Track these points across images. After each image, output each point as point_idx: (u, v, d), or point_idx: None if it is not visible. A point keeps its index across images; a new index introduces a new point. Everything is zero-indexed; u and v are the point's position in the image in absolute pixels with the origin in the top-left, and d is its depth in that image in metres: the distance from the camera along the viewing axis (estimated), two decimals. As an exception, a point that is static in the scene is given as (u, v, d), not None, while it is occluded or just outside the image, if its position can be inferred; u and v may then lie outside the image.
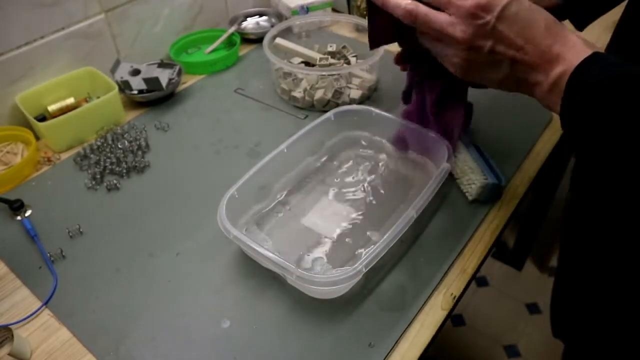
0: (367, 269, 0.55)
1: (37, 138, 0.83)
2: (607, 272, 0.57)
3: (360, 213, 0.69)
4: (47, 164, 0.81)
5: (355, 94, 0.88)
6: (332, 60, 0.94)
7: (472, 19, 0.45)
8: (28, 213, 0.72)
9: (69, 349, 0.56)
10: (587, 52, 0.42)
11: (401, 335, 0.56)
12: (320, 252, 0.64)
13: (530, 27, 0.44)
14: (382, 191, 0.72)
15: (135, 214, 0.72)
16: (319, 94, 0.87)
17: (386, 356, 0.54)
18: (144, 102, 0.92)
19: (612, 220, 0.56)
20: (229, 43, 1.06)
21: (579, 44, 0.43)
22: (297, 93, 0.89)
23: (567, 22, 0.55)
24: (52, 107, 0.84)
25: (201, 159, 0.81)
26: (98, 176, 0.77)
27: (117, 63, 0.91)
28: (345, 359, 0.54)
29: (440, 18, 0.47)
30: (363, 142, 0.79)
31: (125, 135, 0.84)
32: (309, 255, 0.63)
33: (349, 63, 0.95)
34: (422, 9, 0.48)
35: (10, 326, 0.57)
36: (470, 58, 0.47)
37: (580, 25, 0.60)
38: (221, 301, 0.60)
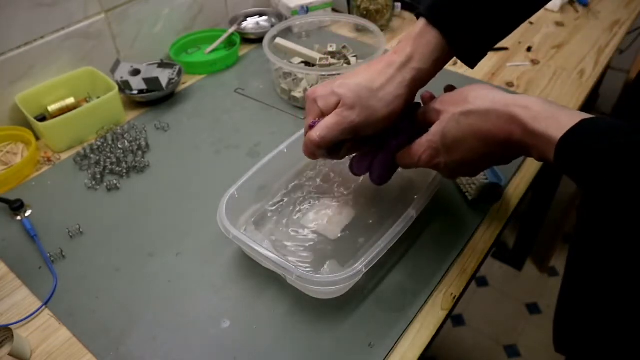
0: (367, 269, 0.55)
1: (37, 138, 0.83)
2: (619, 292, 0.57)
3: (360, 213, 0.69)
4: (47, 164, 0.81)
5: (355, 94, 0.88)
6: (332, 60, 0.94)
7: (433, 167, 0.56)
8: (28, 213, 0.72)
9: (69, 349, 0.57)
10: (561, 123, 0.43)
11: (401, 335, 0.56)
12: (321, 252, 0.64)
13: (483, 135, 0.49)
14: (382, 191, 0.72)
15: (135, 214, 0.72)
16: (319, 94, 0.87)
17: (386, 356, 0.54)
18: (144, 102, 0.92)
19: (625, 242, 0.55)
20: (229, 43, 1.06)
21: (554, 115, 0.44)
22: (297, 93, 0.89)
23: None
24: (52, 107, 0.84)
25: (201, 159, 0.81)
26: (98, 176, 0.77)
27: (117, 63, 0.91)
28: (345, 359, 0.54)
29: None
30: (363, 142, 0.79)
31: (125, 135, 0.84)
32: (308, 255, 0.63)
33: (349, 63, 0.95)
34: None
35: (10, 326, 0.57)
36: (448, 170, 0.55)
37: (471, 65, 0.58)
38: (221, 301, 0.60)
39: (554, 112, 0.44)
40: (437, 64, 0.56)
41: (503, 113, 0.47)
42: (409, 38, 0.56)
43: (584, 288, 0.63)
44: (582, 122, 0.41)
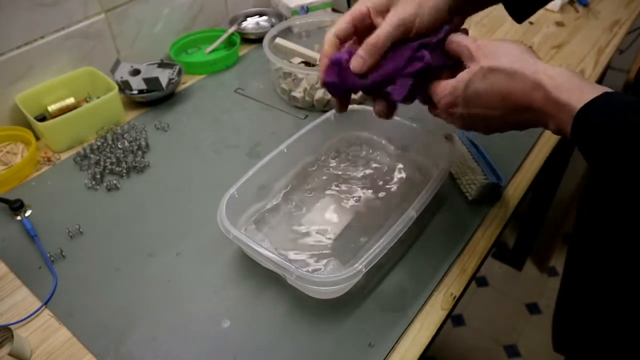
0: (367, 269, 0.55)
1: (37, 138, 0.83)
2: (617, 291, 0.57)
3: (360, 213, 0.69)
4: (47, 164, 0.81)
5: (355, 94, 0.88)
6: (332, 60, 0.94)
7: (449, 115, 0.53)
8: (28, 213, 0.72)
9: (69, 349, 0.57)
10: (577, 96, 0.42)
11: (401, 335, 0.56)
12: (321, 252, 0.64)
13: (505, 91, 0.47)
14: (382, 191, 0.72)
15: (135, 214, 0.72)
16: (319, 94, 0.87)
17: (386, 356, 0.54)
18: (144, 102, 0.92)
19: (625, 239, 0.55)
20: (229, 43, 1.06)
21: (572, 86, 0.43)
22: (297, 93, 0.89)
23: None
24: (52, 107, 0.84)
25: (201, 159, 0.81)
26: (98, 176, 0.77)
27: (117, 63, 0.91)
28: (345, 359, 0.54)
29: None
30: (363, 143, 0.79)
31: (125, 135, 0.84)
32: (308, 255, 0.63)
33: (349, 63, 0.95)
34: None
35: (10, 326, 0.57)
36: (462, 121, 0.53)
37: (519, 19, 0.58)
38: (221, 301, 0.60)
39: (578, 84, 0.43)
40: None
41: (529, 78, 0.46)
42: None
43: (583, 288, 0.63)
44: (604, 95, 0.41)
